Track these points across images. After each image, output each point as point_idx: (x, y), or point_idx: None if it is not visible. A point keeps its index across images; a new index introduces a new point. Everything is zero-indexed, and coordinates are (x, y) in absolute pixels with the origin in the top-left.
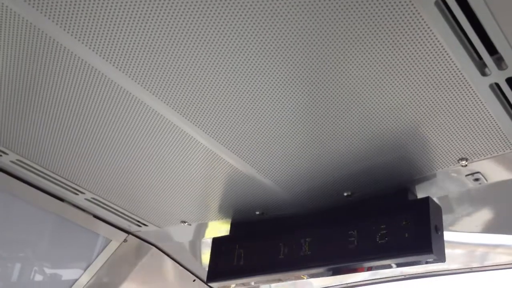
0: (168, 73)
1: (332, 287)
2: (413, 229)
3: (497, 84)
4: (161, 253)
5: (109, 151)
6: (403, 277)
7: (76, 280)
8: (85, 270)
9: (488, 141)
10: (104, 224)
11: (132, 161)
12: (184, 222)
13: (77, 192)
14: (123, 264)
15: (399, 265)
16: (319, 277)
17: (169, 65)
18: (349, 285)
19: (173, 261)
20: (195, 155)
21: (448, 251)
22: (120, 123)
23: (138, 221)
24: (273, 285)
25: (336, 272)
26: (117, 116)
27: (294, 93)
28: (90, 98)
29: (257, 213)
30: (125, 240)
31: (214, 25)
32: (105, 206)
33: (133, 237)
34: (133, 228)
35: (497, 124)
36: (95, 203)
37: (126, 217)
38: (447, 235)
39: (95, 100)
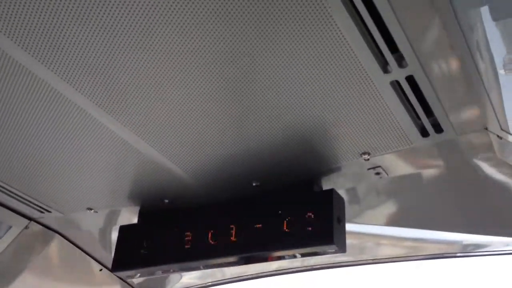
0: (72, 55)
1: (245, 275)
2: (317, 220)
3: (397, 82)
4: (66, 241)
5: (7, 131)
6: (310, 267)
7: None
8: None
9: (389, 137)
10: (3, 209)
11: (33, 142)
12: (91, 209)
13: None
14: (24, 252)
15: (303, 255)
16: (227, 266)
17: (73, 47)
18: (260, 274)
19: (79, 249)
20: (100, 139)
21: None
22: (21, 103)
23: (40, 207)
24: (185, 274)
25: (245, 261)
26: (17, 94)
27: (204, 80)
28: None
29: (166, 201)
30: (26, 227)
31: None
32: (3, 190)
33: (36, 224)
34: (35, 214)
35: (396, 121)
36: None
37: (27, 202)
38: (351, 227)
39: None
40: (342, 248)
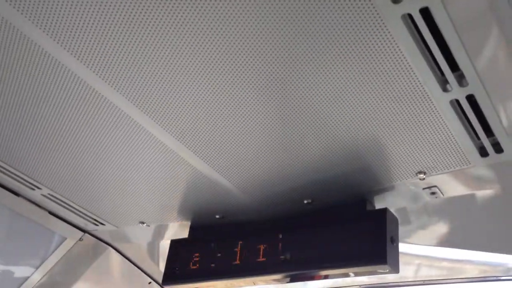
0: (131, 70)
1: None
2: (369, 240)
3: (457, 101)
4: (117, 253)
5: (68, 146)
6: (357, 287)
7: (28, 277)
8: (37, 268)
9: (446, 156)
10: (59, 221)
11: (92, 157)
12: (143, 223)
13: (33, 187)
14: (78, 263)
15: (356, 274)
16: (276, 283)
17: (134, 64)
18: None
19: (129, 262)
20: (156, 154)
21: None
22: (81, 119)
23: (95, 220)
24: None
25: (293, 279)
26: (79, 111)
27: (258, 99)
28: (51, 90)
29: (217, 216)
30: (80, 239)
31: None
32: (61, 203)
33: (89, 236)
34: (90, 226)
35: (455, 140)
36: (51, 199)
37: (83, 215)
38: (402, 247)
39: (56, 92)
40: (395, 269)
